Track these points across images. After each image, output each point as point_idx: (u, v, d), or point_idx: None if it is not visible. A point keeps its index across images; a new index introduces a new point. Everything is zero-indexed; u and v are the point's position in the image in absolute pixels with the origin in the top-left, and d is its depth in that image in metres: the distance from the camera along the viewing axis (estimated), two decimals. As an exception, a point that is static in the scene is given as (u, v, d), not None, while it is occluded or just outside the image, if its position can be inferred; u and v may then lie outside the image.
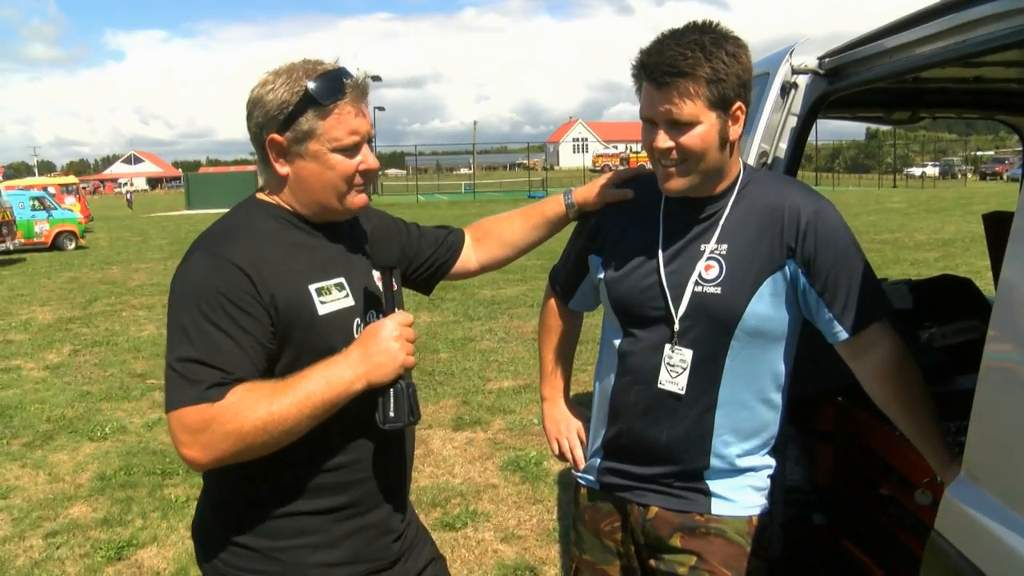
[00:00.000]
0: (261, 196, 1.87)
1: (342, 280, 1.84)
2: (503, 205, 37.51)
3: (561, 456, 2.29)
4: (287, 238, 1.80)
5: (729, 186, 1.94)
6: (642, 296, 1.97)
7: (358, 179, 1.82)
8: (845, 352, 1.92)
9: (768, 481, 2.05)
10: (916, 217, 25.12)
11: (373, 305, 1.90)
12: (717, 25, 1.83)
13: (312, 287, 1.77)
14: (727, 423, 1.96)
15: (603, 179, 2.18)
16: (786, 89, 2.54)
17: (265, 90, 1.74)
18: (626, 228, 2.05)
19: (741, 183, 1.95)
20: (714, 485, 1.99)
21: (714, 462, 1.98)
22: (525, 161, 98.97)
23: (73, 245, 23.46)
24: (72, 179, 35.23)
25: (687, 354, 1.92)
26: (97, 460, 5.97)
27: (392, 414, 1.73)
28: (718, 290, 1.89)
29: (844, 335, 1.87)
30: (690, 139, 1.81)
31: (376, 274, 1.91)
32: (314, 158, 1.76)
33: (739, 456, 1.99)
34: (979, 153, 78.12)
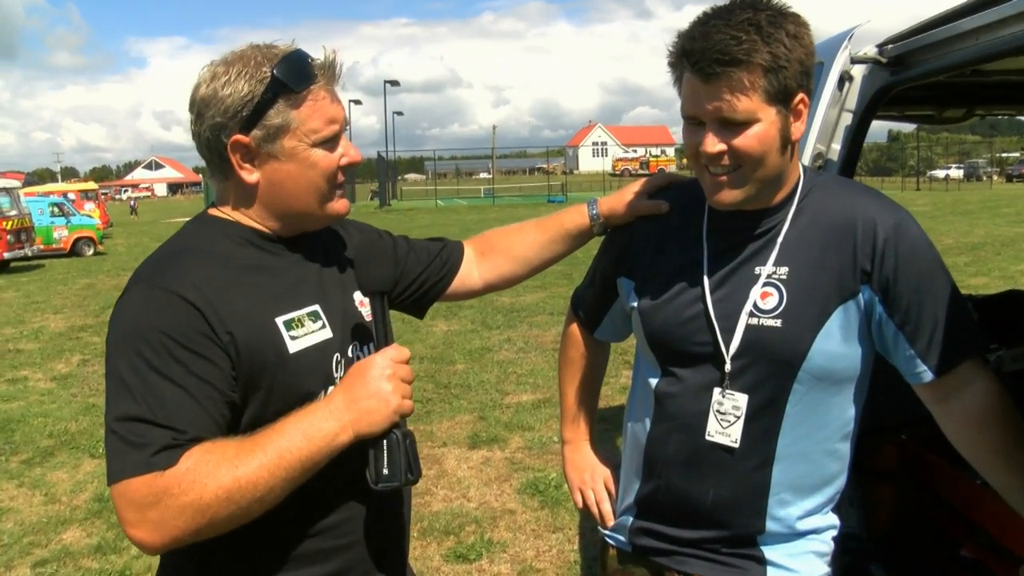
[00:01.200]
0: (214, 212, 1.57)
1: (316, 308, 1.54)
2: (523, 209, 37.23)
3: (585, 509, 1.97)
4: (246, 261, 1.50)
5: (788, 195, 1.62)
6: (684, 329, 1.64)
7: (340, 176, 1.53)
8: (929, 395, 1.59)
9: (832, 544, 1.73)
10: (942, 220, 24.52)
11: (357, 336, 1.59)
12: (774, 0, 1.50)
13: (280, 319, 1.47)
14: (786, 479, 1.63)
15: (634, 187, 1.85)
16: (843, 81, 2.20)
17: (218, 84, 1.44)
18: (663, 246, 1.73)
19: (802, 191, 1.62)
20: (770, 552, 1.67)
21: (770, 525, 1.65)
22: (545, 165, 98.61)
23: (91, 251, 23.37)
24: (91, 185, 35.34)
25: (741, 400, 1.60)
26: (97, 479, 5.70)
27: (386, 471, 1.43)
28: (777, 323, 1.56)
29: (929, 376, 1.55)
30: (746, 141, 1.48)
31: (358, 297, 1.62)
32: (290, 157, 1.47)
33: (799, 517, 1.67)
34: (1004, 155, 77.08)
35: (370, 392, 1.41)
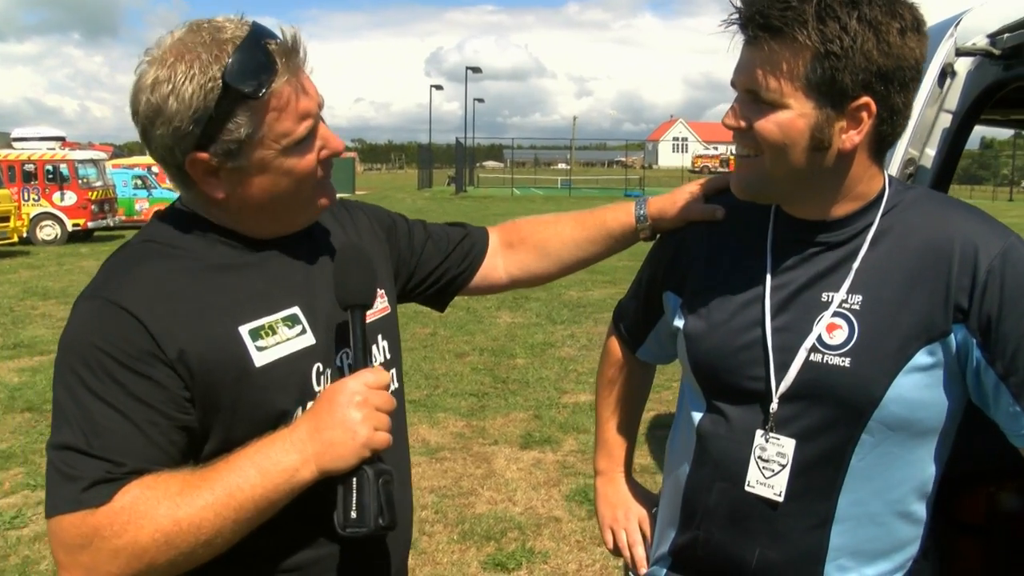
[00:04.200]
0: (181, 206, 1.36)
1: (295, 311, 1.33)
2: (599, 202, 36.68)
3: (615, 551, 1.74)
4: (214, 259, 1.30)
5: (860, 209, 1.35)
6: (736, 359, 1.40)
7: (320, 171, 1.31)
8: None
9: None
10: (1040, 234, 23.30)
11: (347, 342, 1.37)
12: None
13: (245, 328, 1.26)
14: (848, 543, 1.37)
15: (689, 187, 1.61)
16: (944, 76, 1.90)
17: (161, 94, 1.19)
18: (716, 258, 1.48)
19: (886, 206, 1.35)
20: None
21: None
22: (623, 159, 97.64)
23: (171, 224, 23.85)
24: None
25: (788, 446, 1.35)
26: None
27: (354, 515, 1.21)
28: (845, 361, 1.30)
29: None
30: (765, 124, 1.26)
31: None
32: (261, 169, 1.25)
33: None
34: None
35: (336, 421, 1.20)
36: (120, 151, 41.00)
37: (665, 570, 1.57)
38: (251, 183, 1.26)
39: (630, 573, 1.71)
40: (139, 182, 24.10)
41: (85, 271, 14.74)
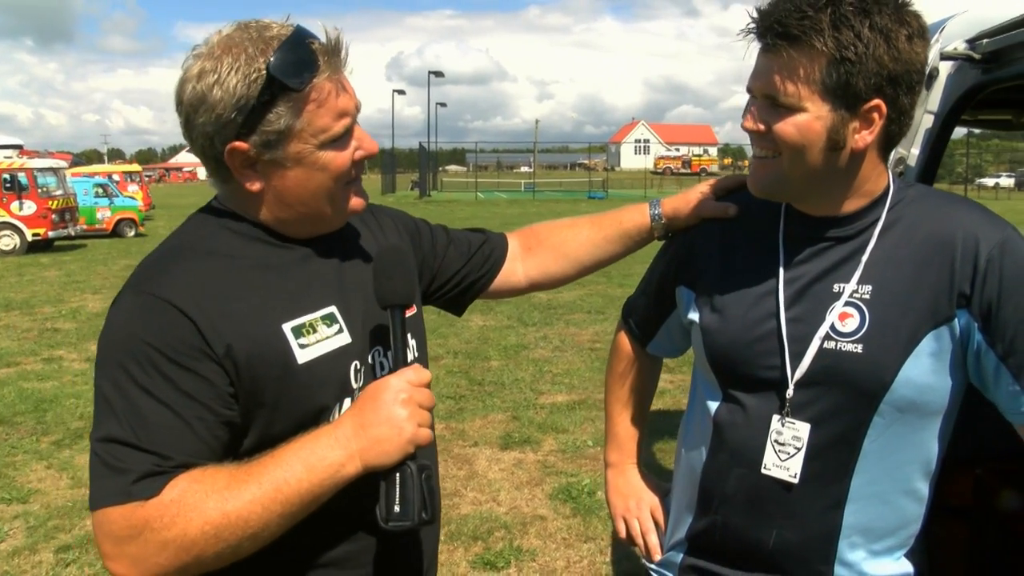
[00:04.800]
0: (218, 204, 1.40)
1: (332, 310, 1.37)
2: (563, 204, 36.99)
3: (629, 540, 1.80)
4: (252, 260, 1.34)
5: (867, 205, 1.43)
6: (752, 350, 1.47)
7: (353, 172, 1.36)
8: None
9: None
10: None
11: (382, 340, 1.42)
12: None
13: (288, 326, 1.31)
14: (859, 521, 1.45)
15: (701, 187, 1.68)
16: (930, 79, 1.99)
17: (207, 83, 1.24)
18: (730, 255, 1.55)
19: (891, 202, 1.44)
20: None
21: (839, 571, 1.48)
22: (586, 161, 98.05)
23: (133, 232, 23.47)
24: (135, 167, 35.65)
25: (803, 430, 1.42)
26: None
27: (397, 509, 1.25)
28: (858, 348, 1.38)
29: None
30: (784, 126, 1.34)
31: None
32: (297, 162, 1.30)
33: (870, 561, 1.49)
34: (1058, 164, 75.15)
35: (382, 418, 1.24)
36: (79, 159, 40.34)
37: (682, 555, 1.63)
38: (286, 176, 1.30)
39: (644, 560, 1.76)
40: (100, 190, 23.79)
41: (47, 281, 14.53)
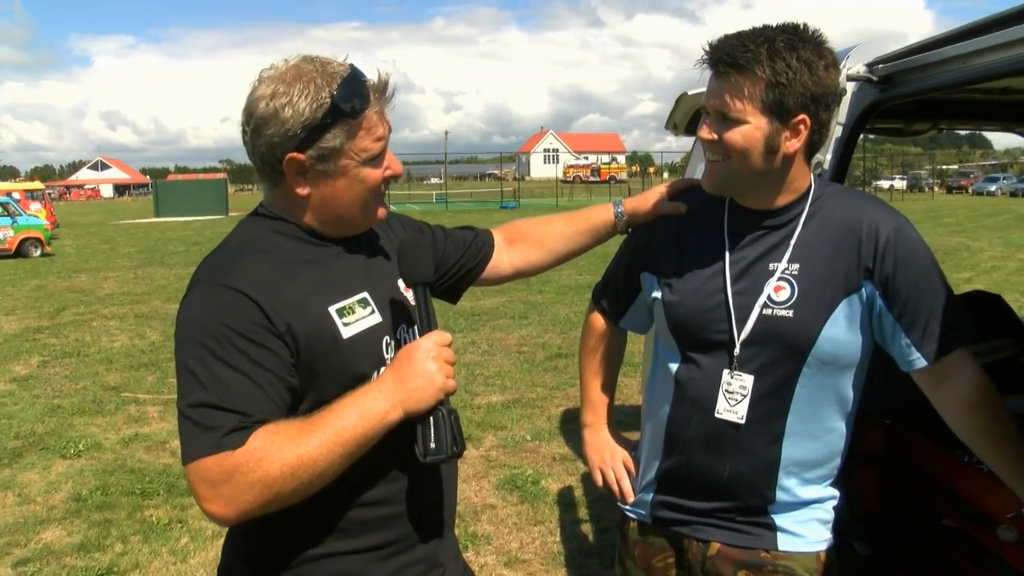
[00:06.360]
0: (265, 211, 1.69)
1: (365, 295, 1.67)
2: (476, 215, 37.33)
3: (606, 488, 2.12)
4: (298, 256, 1.63)
5: (795, 200, 1.80)
6: (705, 318, 1.82)
7: (383, 187, 1.67)
8: (923, 381, 1.78)
9: (833, 513, 1.91)
10: (888, 230, 25.17)
11: (403, 319, 1.73)
12: (809, 31, 1.69)
13: (332, 308, 1.60)
14: (793, 454, 1.82)
15: (658, 189, 2.03)
16: (840, 96, 2.39)
17: (279, 103, 1.53)
18: (683, 244, 1.90)
19: (813, 197, 1.81)
20: (780, 519, 1.85)
21: (779, 495, 1.83)
22: (497, 171, 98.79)
23: (39, 252, 22.76)
24: (38, 184, 34.50)
25: (747, 380, 1.78)
26: (71, 479, 5.70)
27: (433, 445, 1.55)
28: (789, 313, 1.75)
29: (923, 363, 1.73)
30: (732, 135, 1.70)
31: (403, 284, 1.75)
32: (342, 174, 1.59)
33: (805, 488, 1.85)
34: (944, 167, 79.35)
35: (417, 372, 1.53)
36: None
37: (652, 493, 1.97)
38: (332, 184, 1.60)
39: (619, 503, 2.09)
40: (1, 209, 22.96)
41: (-44, 303, 14.10)
